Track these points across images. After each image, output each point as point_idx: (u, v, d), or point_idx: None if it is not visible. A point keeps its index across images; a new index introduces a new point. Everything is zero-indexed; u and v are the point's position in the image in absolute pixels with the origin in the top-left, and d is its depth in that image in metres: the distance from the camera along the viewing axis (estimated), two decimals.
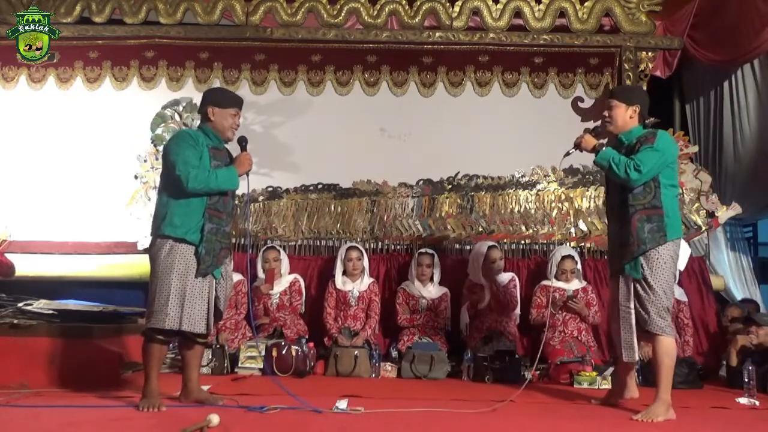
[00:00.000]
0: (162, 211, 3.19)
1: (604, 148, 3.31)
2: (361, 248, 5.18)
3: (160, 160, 5.62)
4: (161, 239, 3.15)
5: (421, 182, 5.78)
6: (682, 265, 4.72)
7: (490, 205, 5.68)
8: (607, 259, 3.68)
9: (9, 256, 5.26)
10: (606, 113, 3.40)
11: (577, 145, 3.43)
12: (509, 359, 4.42)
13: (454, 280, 5.22)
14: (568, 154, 3.49)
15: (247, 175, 3.35)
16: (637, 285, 3.23)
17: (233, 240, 5.47)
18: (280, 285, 5.07)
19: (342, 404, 3.16)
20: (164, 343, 3.18)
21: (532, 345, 5.03)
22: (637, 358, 3.30)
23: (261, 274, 5.09)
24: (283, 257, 5.19)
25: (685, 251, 4.82)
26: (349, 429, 2.73)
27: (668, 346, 3.21)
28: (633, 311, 3.25)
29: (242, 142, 3.39)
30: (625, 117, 3.35)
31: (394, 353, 4.88)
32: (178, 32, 6.27)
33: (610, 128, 3.39)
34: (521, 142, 6.04)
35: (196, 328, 3.12)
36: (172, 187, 3.19)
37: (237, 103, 3.37)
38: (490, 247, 5.07)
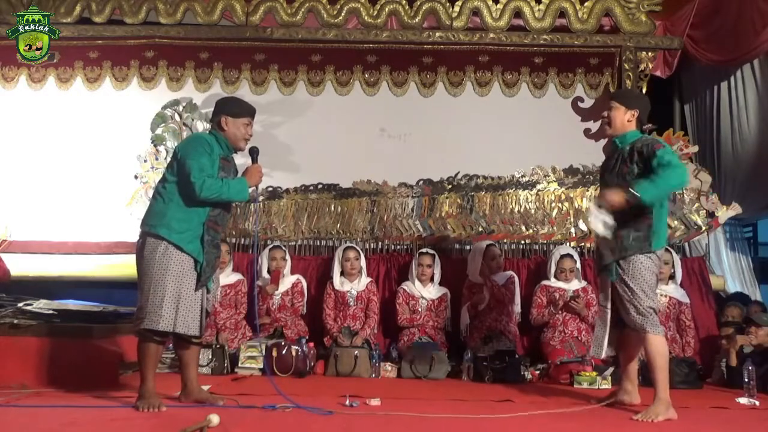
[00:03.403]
0: (161, 209, 3.17)
1: (636, 192, 3.06)
2: (358, 248, 5.19)
3: (160, 160, 5.67)
4: (155, 239, 3.13)
5: (421, 182, 5.78)
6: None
7: (490, 205, 5.68)
8: (595, 255, 3.63)
9: (7, 258, 5.24)
10: (605, 113, 3.38)
11: (601, 206, 3.16)
12: (509, 359, 4.42)
13: (454, 280, 5.22)
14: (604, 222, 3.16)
15: (257, 187, 3.38)
16: (616, 285, 3.27)
17: (233, 240, 5.51)
18: (283, 285, 5.07)
19: (354, 401, 3.22)
20: (159, 343, 3.18)
21: (532, 345, 5.04)
22: (603, 355, 3.36)
23: (265, 273, 5.10)
24: (288, 257, 5.20)
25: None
26: (350, 429, 2.73)
27: (658, 345, 3.20)
28: (609, 311, 3.32)
29: (253, 153, 3.39)
30: (623, 120, 3.33)
31: (394, 353, 4.89)
32: (178, 32, 6.25)
33: (607, 130, 3.38)
34: (521, 142, 6.03)
35: (189, 330, 3.13)
36: (178, 189, 3.17)
37: (250, 112, 3.36)
38: (489, 245, 5.09)
